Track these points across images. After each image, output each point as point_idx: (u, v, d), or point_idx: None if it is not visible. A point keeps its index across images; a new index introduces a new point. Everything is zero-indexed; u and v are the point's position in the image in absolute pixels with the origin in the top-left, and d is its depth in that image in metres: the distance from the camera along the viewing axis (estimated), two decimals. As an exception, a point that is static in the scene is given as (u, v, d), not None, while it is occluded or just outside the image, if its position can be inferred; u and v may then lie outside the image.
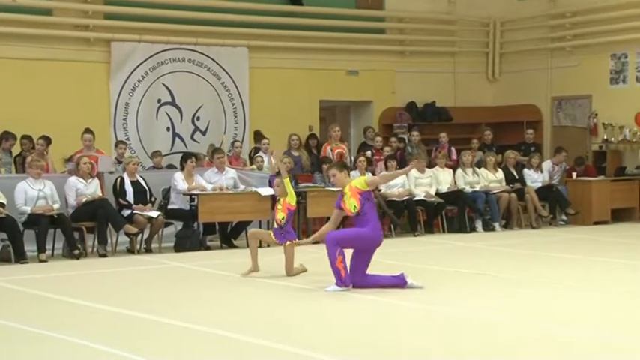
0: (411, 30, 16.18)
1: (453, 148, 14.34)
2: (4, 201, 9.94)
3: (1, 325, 6.20)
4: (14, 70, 12.71)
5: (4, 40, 12.64)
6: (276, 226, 8.39)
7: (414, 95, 15.98)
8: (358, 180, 7.80)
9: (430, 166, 13.28)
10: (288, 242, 8.31)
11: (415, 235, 12.29)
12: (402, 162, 13.30)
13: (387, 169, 12.83)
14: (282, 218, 8.31)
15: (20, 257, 9.66)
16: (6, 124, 11.74)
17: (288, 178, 8.40)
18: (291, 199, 8.38)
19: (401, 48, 16.08)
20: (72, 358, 5.28)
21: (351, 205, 7.60)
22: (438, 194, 12.84)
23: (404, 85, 15.95)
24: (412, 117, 15.80)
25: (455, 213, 13.02)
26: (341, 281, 7.43)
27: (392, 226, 12.47)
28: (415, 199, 12.55)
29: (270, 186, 11.66)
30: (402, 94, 15.97)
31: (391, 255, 10.15)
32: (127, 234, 10.54)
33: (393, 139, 14.24)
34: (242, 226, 11.43)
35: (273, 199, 11.35)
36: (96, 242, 10.44)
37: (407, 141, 14.62)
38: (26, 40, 12.84)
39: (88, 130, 11.62)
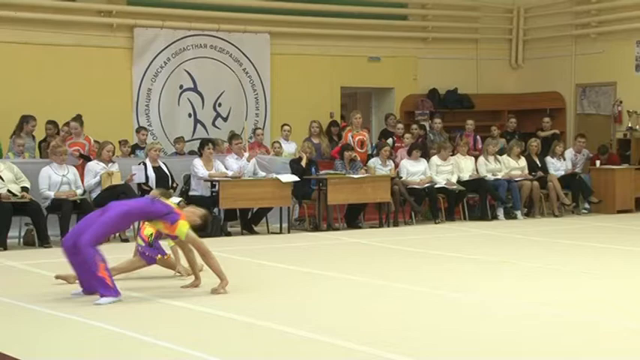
0: (434, 16, 16.07)
1: (478, 137, 14.25)
2: (27, 185, 10.03)
3: (25, 309, 6.26)
4: (38, 55, 12.77)
5: (28, 26, 12.70)
6: (142, 244, 7.26)
7: (435, 82, 15.90)
8: (182, 225, 6.70)
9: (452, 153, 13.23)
10: (159, 256, 7.33)
11: (436, 223, 12.25)
12: (425, 149, 13.25)
13: (410, 156, 12.78)
14: (151, 235, 7.20)
15: (44, 241, 9.75)
16: (29, 109, 11.81)
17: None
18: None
19: (423, 34, 15.98)
20: (96, 343, 5.33)
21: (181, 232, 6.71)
22: (459, 182, 12.78)
23: (426, 71, 15.86)
24: (434, 104, 15.72)
25: (476, 201, 12.96)
26: (109, 290, 6.39)
27: (412, 214, 12.45)
28: (436, 186, 12.51)
29: (292, 172, 11.69)
30: (424, 80, 15.88)
31: (412, 242, 10.16)
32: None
33: (415, 127, 14.19)
34: (263, 212, 11.46)
35: (298, 186, 11.38)
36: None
37: (428, 128, 14.55)
38: (50, 25, 12.90)
39: (75, 118, 11.36)
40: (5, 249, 9.56)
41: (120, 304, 6.42)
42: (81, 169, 10.69)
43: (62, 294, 6.82)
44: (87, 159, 10.98)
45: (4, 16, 12.54)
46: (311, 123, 13.43)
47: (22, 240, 10.19)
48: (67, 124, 11.60)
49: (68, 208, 9.96)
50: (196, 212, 7.05)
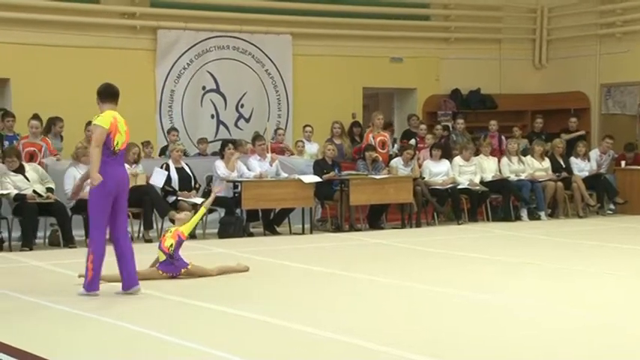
0: (456, 16, 16.01)
1: (503, 137, 14.16)
2: (52, 186, 10.12)
3: (50, 308, 6.32)
4: (62, 57, 12.88)
5: (53, 28, 12.83)
6: (163, 257, 7.40)
7: (458, 82, 15.83)
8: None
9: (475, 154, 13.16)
10: (184, 270, 7.47)
11: (459, 224, 12.20)
12: (447, 150, 13.20)
13: (431, 157, 12.76)
14: (171, 245, 7.37)
15: (69, 242, 9.83)
16: (54, 111, 11.92)
17: (204, 208, 7.75)
18: (186, 230, 7.52)
19: (446, 35, 15.93)
20: (120, 342, 5.36)
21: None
22: (482, 182, 12.72)
23: (448, 72, 15.80)
24: (456, 104, 15.66)
25: (499, 201, 12.89)
26: (85, 285, 6.67)
27: (435, 214, 12.40)
28: (459, 187, 12.45)
29: (315, 173, 11.70)
30: (447, 81, 15.82)
31: (434, 243, 10.12)
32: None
33: (438, 127, 14.14)
34: (285, 213, 11.47)
35: (320, 186, 11.37)
36: (142, 228, 10.57)
37: (451, 129, 14.50)
38: (74, 27, 13.02)
39: (35, 117, 11.10)
40: (31, 249, 9.65)
41: (143, 304, 6.47)
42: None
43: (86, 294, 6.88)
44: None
45: (29, 19, 12.67)
46: (333, 124, 13.43)
47: (47, 240, 10.28)
48: (88, 123, 11.50)
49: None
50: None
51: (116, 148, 6.79)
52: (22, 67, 12.60)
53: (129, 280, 6.82)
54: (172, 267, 7.44)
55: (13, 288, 7.04)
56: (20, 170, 10.05)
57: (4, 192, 9.77)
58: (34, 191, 9.90)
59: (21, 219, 9.81)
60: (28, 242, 9.74)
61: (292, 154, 12.93)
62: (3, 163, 10.15)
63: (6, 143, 10.89)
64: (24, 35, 12.61)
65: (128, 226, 7.48)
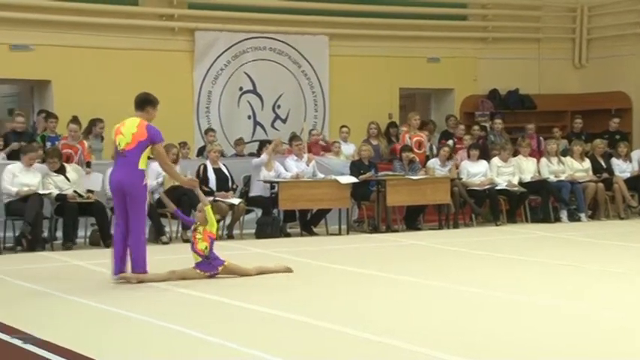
0: (494, 16, 15.89)
1: (541, 138, 14.00)
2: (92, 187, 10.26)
3: (90, 307, 6.40)
4: (102, 59, 13.03)
5: (93, 31, 12.99)
6: (199, 259, 7.48)
7: (496, 82, 15.70)
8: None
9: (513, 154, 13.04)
10: (221, 267, 7.54)
11: (497, 225, 12.10)
12: (485, 150, 13.10)
13: (469, 157, 12.68)
14: (205, 248, 7.47)
15: (108, 241, 9.94)
16: (95, 112, 12.08)
17: (210, 206, 7.64)
18: (212, 227, 7.54)
19: (483, 34, 15.81)
20: (160, 341, 5.41)
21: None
22: (521, 183, 12.60)
23: (486, 72, 15.68)
24: (494, 105, 15.53)
25: (538, 202, 12.75)
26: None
27: (473, 215, 12.32)
28: (497, 188, 12.35)
29: (351, 174, 11.69)
30: (484, 81, 15.71)
31: (472, 244, 10.04)
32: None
33: (475, 128, 14.04)
34: (322, 213, 11.48)
35: (357, 187, 11.37)
36: (180, 228, 10.65)
37: (489, 129, 14.38)
38: (113, 30, 13.18)
39: (74, 120, 11.20)
40: (70, 248, 9.79)
41: (184, 304, 6.52)
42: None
43: (127, 293, 6.96)
44: (88, 164, 10.72)
45: (70, 22, 12.85)
46: (369, 124, 13.40)
47: (88, 240, 10.41)
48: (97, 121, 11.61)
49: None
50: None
51: (119, 148, 7.36)
52: (64, 69, 12.78)
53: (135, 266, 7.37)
54: (210, 266, 7.50)
55: (54, 287, 7.14)
56: (61, 171, 10.21)
57: (46, 192, 9.92)
58: (75, 191, 10.04)
59: (62, 219, 9.96)
60: (69, 242, 9.89)
61: (334, 143, 12.82)
62: (44, 163, 10.32)
63: (48, 144, 11.06)
64: (65, 38, 12.80)
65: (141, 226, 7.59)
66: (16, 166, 10.03)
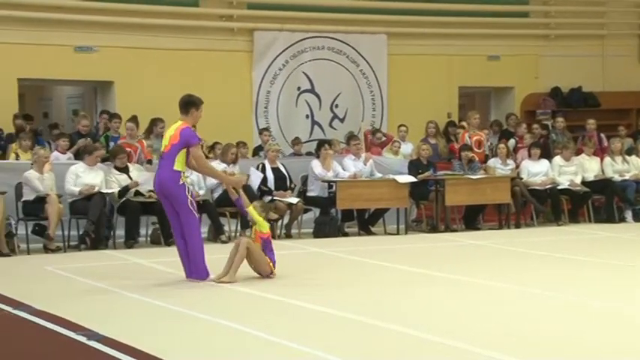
0: (557, 12, 15.61)
1: (602, 135, 13.70)
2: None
3: (155, 305, 6.49)
4: (163, 60, 13.21)
5: (154, 32, 13.19)
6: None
7: (558, 80, 15.43)
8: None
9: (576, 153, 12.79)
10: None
11: (559, 225, 11.88)
12: (547, 149, 12.87)
13: (530, 156, 12.48)
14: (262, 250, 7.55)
15: (168, 240, 10.08)
16: (156, 112, 12.25)
17: (251, 207, 7.63)
18: (262, 227, 7.59)
19: (545, 31, 15.55)
20: (223, 340, 5.46)
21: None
22: (584, 182, 12.34)
23: (548, 69, 15.41)
24: (556, 103, 15.26)
25: (602, 202, 12.47)
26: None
27: (534, 215, 12.12)
28: (559, 187, 12.12)
29: (410, 173, 11.62)
30: (546, 79, 15.45)
31: (533, 244, 9.88)
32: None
33: (536, 126, 13.80)
34: (380, 213, 11.44)
35: (415, 187, 11.27)
36: (239, 227, 10.73)
37: (551, 128, 14.13)
38: (174, 31, 13.35)
39: (132, 119, 11.28)
40: (132, 247, 9.95)
41: (243, 303, 6.58)
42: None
43: (188, 291, 7.05)
44: (149, 162, 10.80)
45: (132, 23, 13.06)
46: (427, 123, 13.29)
47: (149, 238, 10.57)
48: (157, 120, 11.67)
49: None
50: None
51: (160, 151, 7.73)
52: (126, 70, 13.01)
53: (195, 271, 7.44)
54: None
55: (117, 285, 7.27)
56: (125, 170, 10.39)
57: (109, 191, 10.11)
58: (137, 191, 10.20)
59: (124, 217, 10.14)
60: (131, 240, 10.06)
61: (394, 142, 12.81)
62: (105, 162, 10.51)
63: (111, 144, 11.26)
64: (127, 39, 13.02)
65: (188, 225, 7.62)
66: (79, 166, 10.24)
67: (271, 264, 7.53)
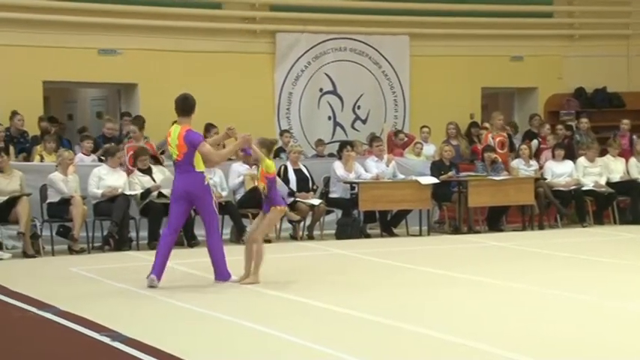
0: (581, 13, 15.48)
1: (635, 137, 13.52)
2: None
3: (178, 307, 6.53)
4: (187, 62, 13.25)
5: (177, 34, 13.26)
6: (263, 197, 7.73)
7: (582, 81, 15.30)
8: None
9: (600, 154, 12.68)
10: (272, 207, 7.59)
11: (583, 226, 11.78)
12: (571, 150, 12.77)
13: (554, 157, 12.39)
14: (264, 188, 7.59)
15: (191, 241, 10.14)
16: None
17: (254, 145, 7.60)
18: (268, 168, 7.55)
19: (569, 32, 15.43)
20: (244, 341, 5.48)
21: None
22: (609, 184, 12.23)
23: (572, 70, 15.29)
24: (580, 103, 15.14)
25: (627, 204, 12.35)
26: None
27: (558, 217, 12.03)
28: (584, 188, 12.02)
29: (432, 174, 11.58)
30: (570, 79, 15.32)
31: (557, 246, 9.81)
32: (290, 221, 10.78)
33: (560, 127, 13.70)
34: (402, 214, 11.41)
35: (438, 188, 11.25)
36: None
37: (575, 128, 14.02)
38: (197, 33, 13.41)
39: (135, 121, 11.22)
40: (155, 248, 9.98)
41: (264, 303, 6.60)
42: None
43: (211, 292, 7.08)
44: (157, 161, 10.72)
45: (156, 26, 13.13)
46: (448, 125, 13.24)
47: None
48: (210, 126, 11.72)
49: (214, 210, 10.28)
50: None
51: (173, 159, 7.60)
52: (149, 72, 13.08)
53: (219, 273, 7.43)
54: (267, 206, 7.61)
55: (140, 286, 7.32)
56: (148, 172, 10.45)
57: (132, 193, 10.18)
58: (160, 192, 10.26)
59: (148, 219, 10.19)
60: (154, 241, 10.10)
61: (416, 143, 12.79)
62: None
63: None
64: (151, 41, 13.09)
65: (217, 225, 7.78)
66: (102, 168, 10.32)
67: (279, 207, 7.59)
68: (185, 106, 7.49)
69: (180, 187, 7.49)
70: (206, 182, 7.50)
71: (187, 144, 7.32)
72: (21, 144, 11.48)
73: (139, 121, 11.13)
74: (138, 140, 10.96)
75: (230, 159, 7.57)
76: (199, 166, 7.42)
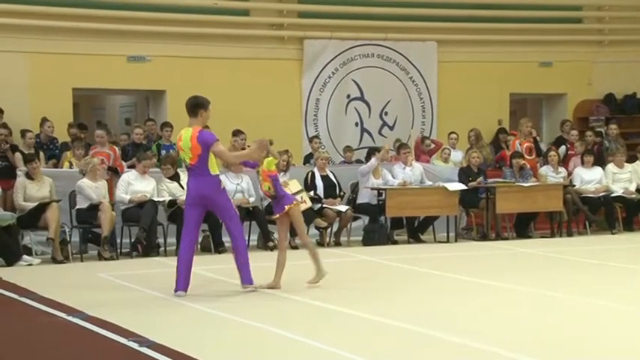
0: (611, 18, 15.35)
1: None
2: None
3: (206, 313, 6.56)
4: (215, 69, 13.34)
5: (205, 41, 13.35)
6: (270, 200, 7.61)
7: (612, 87, 15.17)
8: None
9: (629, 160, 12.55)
10: (287, 206, 7.45)
11: (613, 233, 11.66)
12: (600, 156, 12.65)
13: (583, 164, 12.27)
14: (269, 188, 7.46)
15: (218, 247, 10.18)
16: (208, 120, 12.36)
17: (270, 156, 7.47)
18: (268, 166, 7.40)
19: (599, 37, 15.30)
20: (263, 345, 5.49)
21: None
22: (638, 190, 12.08)
23: (601, 76, 15.16)
24: (610, 109, 14.99)
25: (658, 211, 12.20)
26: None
27: (587, 223, 11.91)
28: (613, 195, 11.90)
29: (460, 181, 11.53)
30: (599, 85, 15.20)
31: (586, 253, 9.72)
32: (317, 227, 10.79)
33: (589, 133, 13.58)
34: (429, 221, 11.37)
35: (465, 194, 11.20)
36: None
37: (604, 135, 13.88)
38: (225, 40, 13.49)
39: (99, 126, 11.09)
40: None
41: (283, 307, 6.62)
42: (110, 183, 10.30)
43: (238, 299, 7.11)
44: (115, 171, 10.59)
45: (183, 33, 13.23)
46: (468, 132, 13.09)
47: (199, 246, 10.66)
48: (238, 132, 11.68)
49: (241, 215, 10.30)
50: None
51: (185, 164, 7.34)
52: (178, 79, 13.17)
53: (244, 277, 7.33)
54: (278, 206, 7.49)
55: (168, 292, 7.34)
56: (175, 178, 10.52)
57: (160, 199, 10.24)
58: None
59: (175, 225, 10.25)
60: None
61: (441, 145, 12.74)
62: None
63: (163, 152, 11.41)
64: (179, 48, 13.20)
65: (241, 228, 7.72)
66: (130, 174, 10.41)
67: (294, 203, 7.48)
68: (194, 106, 7.25)
69: (194, 191, 7.20)
70: (222, 187, 7.33)
71: (201, 144, 7.07)
72: (50, 150, 11.62)
73: (106, 126, 11.23)
74: (103, 145, 10.85)
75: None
76: (214, 169, 7.22)
